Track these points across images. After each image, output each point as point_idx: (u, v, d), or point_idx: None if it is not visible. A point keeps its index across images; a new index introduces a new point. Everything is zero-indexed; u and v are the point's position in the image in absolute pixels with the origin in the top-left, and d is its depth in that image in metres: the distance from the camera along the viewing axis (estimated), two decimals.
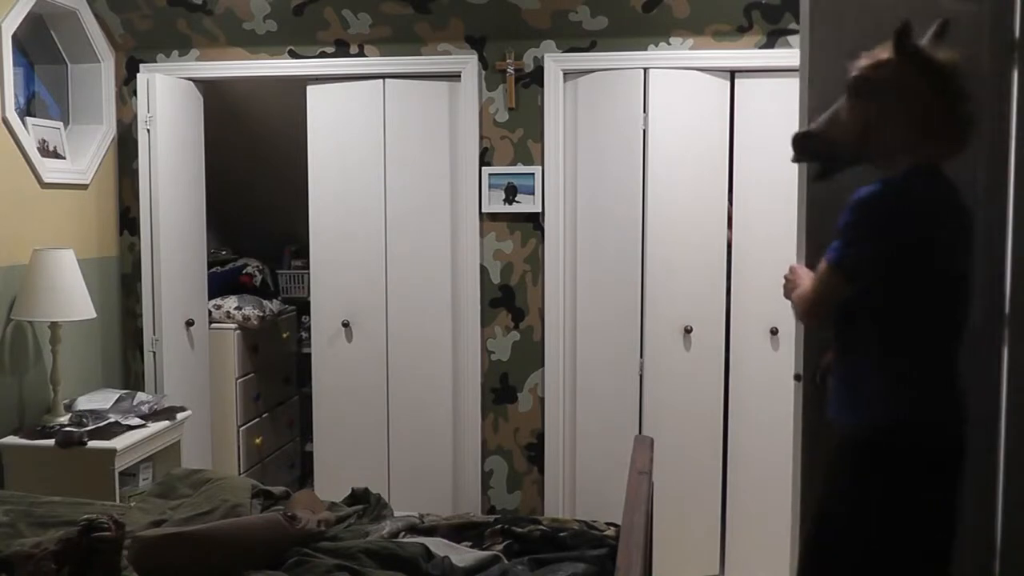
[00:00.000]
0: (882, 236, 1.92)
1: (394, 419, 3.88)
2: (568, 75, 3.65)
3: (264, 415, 4.46)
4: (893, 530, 1.91)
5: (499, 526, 2.32)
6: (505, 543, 2.22)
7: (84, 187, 3.72)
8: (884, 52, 1.99)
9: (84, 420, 3.27)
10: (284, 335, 4.73)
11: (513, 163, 3.69)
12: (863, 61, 2.04)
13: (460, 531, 2.36)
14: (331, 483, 3.73)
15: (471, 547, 2.25)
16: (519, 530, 2.26)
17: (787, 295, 2.19)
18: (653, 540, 2.55)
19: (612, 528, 2.36)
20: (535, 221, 3.70)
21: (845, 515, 1.96)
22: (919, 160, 1.97)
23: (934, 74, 1.95)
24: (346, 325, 3.87)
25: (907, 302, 1.94)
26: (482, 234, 3.74)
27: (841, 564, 1.96)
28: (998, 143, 2.25)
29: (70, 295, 3.25)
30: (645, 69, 3.57)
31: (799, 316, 2.16)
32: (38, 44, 3.71)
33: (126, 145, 3.88)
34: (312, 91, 3.84)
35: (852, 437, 1.98)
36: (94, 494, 2.96)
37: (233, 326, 4.21)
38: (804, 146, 2.21)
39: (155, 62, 3.85)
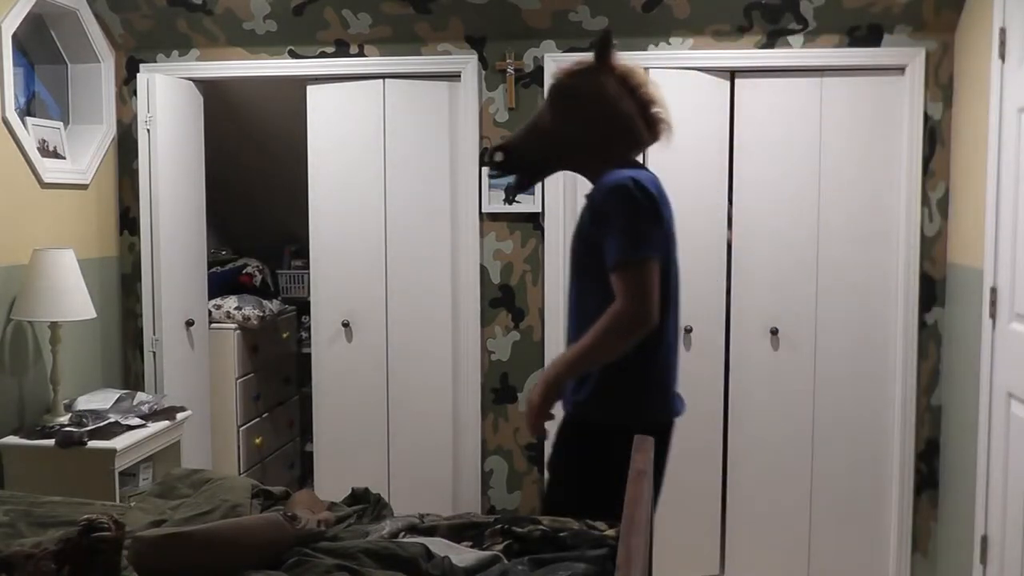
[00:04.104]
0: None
1: (394, 419, 3.88)
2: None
3: (264, 415, 4.46)
4: None
5: (499, 526, 2.31)
6: (505, 543, 2.22)
7: (84, 187, 3.72)
8: (583, 61, 2.27)
9: (84, 420, 3.27)
10: (284, 335, 4.73)
11: None
12: (562, 68, 2.33)
13: (460, 531, 2.35)
14: (331, 483, 3.73)
15: (471, 547, 2.25)
16: (519, 530, 2.25)
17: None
18: (653, 540, 2.54)
19: (612, 528, 2.36)
20: (535, 221, 3.70)
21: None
22: (621, 157, 2.26)
23: (628, 79, 2.24)
24: (346, 325, 3.87)
25: None
26: (482, 234, 3.74)
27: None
28: None
29: (70, 295, 3.25)
30: (645, 69, 3.55)
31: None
32: (38, 44, 3.71)
33: (126, 145, 3.88)
34: (312, 91, 3.84)
35: None
36: (94, 494, 2.95)
37: (233, 326, 4.21)
38: (505, 159, 2.35)
39: (155, 62, 3.85)
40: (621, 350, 2.13)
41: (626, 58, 3.59)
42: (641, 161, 2.33)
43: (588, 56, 2.34)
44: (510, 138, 2.41)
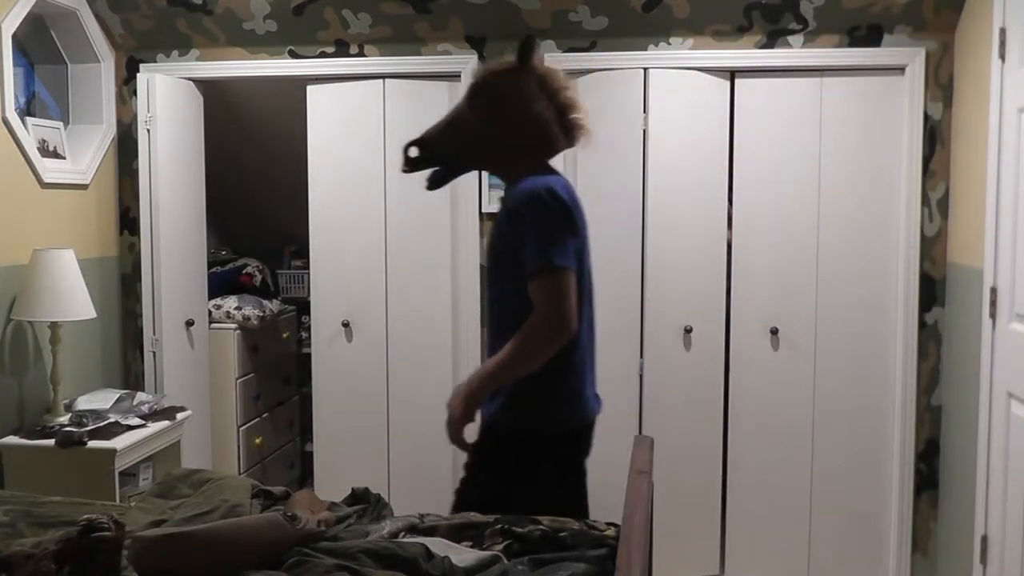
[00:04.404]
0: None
1: (394, 419, 3.88)
2: (568, 75, 3.64)
3: (264, 415, 4.46)
4: None
5: (499, 526, 2.31)
6: (505, 543, 2.22)
7: (84, 187, 3.71)
8: (505, 61, 2.27)
9: (84, 420, 3.27)
10: (284, 335, 4.73)
11: None
12: (486, 66, 2.33)
13: (460, 531, 2.35)
14: (331, 483, 3.73)
15: (471, 547, 2.25)
16: (519, 530, 2.25)
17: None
18: (653, 540, 2.54)
19: (612, 528, 2.36)
20: None
21: None
22: (535, 160, 2.26)
23: (547, 82, 2.24)
24: (346, 325, 3.87)
25: None
26: (482, 234, 3.74)
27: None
28: None
29: (70, 295, 3.25)
30: (645, 69, 3.57)
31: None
32: (38, 44, 3.71)
33: (126, 145, 3.88)
34: (312, 91, 3.84)
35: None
36: (94, 494, 2.95)
37: (233, 326, 4.21)
38: (420, 154, 2.35)
39: (155, 62, 3.85)
40: (542, 360, 2.14)
41: (626, 58, 3.63)
42: (555, 166, 2.36)
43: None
44: (426, 132, 2.38)
